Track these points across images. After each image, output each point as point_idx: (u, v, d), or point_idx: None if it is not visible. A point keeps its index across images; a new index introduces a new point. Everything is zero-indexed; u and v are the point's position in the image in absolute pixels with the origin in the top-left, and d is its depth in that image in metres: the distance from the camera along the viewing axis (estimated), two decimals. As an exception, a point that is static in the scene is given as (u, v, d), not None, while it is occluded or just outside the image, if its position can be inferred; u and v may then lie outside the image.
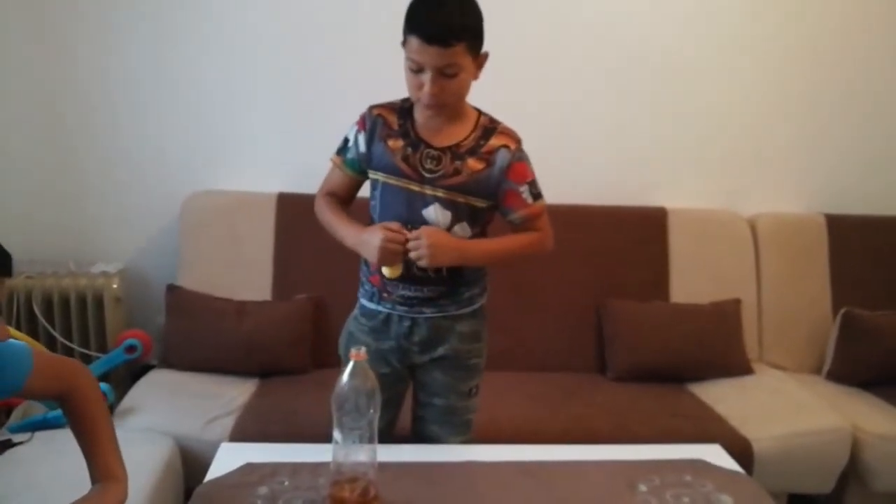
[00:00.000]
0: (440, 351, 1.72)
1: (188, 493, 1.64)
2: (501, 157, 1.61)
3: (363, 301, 1.77)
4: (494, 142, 1.62)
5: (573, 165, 2.91)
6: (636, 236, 2.83)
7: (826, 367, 2.72)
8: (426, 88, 1.50)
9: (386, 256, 1.54)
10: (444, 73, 1.50)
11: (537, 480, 1.54)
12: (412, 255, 1.54)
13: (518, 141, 1.65)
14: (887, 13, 2.91)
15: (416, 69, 1.51)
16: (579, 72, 2.86)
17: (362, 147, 1.66)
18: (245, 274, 2.68)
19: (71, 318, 2.64)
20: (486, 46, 2.73)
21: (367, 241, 1.57)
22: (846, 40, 2.92)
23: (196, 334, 2.53)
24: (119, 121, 2.78)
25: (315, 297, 2.60)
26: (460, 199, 1.62)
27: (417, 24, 1.48)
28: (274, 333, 2.52)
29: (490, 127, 1.64)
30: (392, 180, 1.63)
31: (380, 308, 1.72)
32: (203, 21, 2.73)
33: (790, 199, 3.01)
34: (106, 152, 2.79)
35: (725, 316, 2.74)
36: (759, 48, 2.90)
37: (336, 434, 1.35)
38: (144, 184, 2.80)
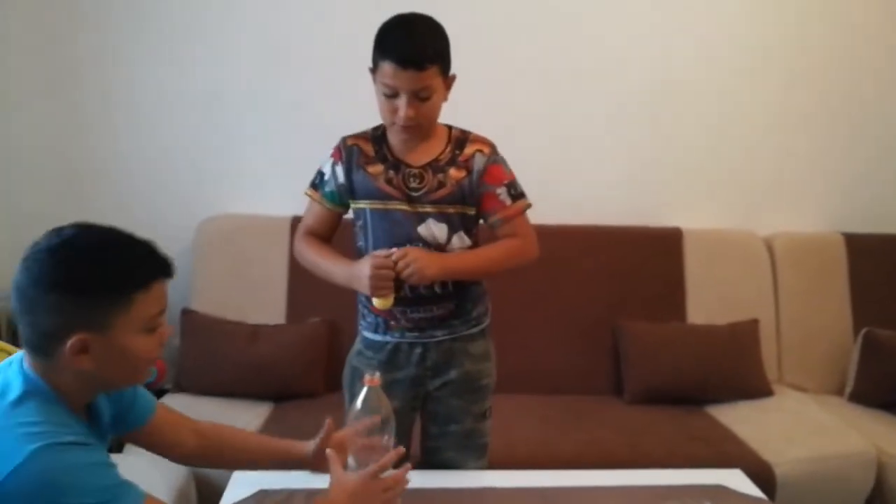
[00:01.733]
0: (452, 374, 1.70)
1: (202, 521, 1.63)
2: (478, 162, 1.63)
3: (366, 334, 1.74)
4: (469, 149, 1.64)
5: (588, 186, 2.91)
6: (652, 257, 2.81)
7: (848, 389, 2.68)
8: (401, 112, 1.52)
9: (378, 284, 1.52)
10: (419, 97, 1.52)
11: (555, 507, 1.51)
12: (403, 274, 1.51)
13: (491, 145, 1.67)
14: (902, 30, 2.90)
15: (391, 94, 1.53)
16: (593, 92, 2.86)
17: (341, 178, 1.65)
18: (259, 297, 2.68)
19: (86, 342, 2.64)
20: (502, 69, 2.79)
21: (358, 273, 1.55)
22: (862, 58, 2.91)
23: (210, 358, 2.53)
24: (131, 146, 2.80)
25: (329, 320, 2.60)
26: (451, 210, 1.62)
27: (390, 48, 1.50)
28: (288, 357, 2.52)
29: (462, 138, 1.66)
30: (379, 205, 1.62)
31: (387, 338, 1.70)
32: (215, 47, 2.76)
33: (807, 218, 2.98)
34: (119, 177, 2.81)
35: (743, 337, 2.70)
36: (774, 68, 2.89)
37: (350, 461, 1.33)
38: (158, 208, 2.82)
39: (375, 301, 1.54)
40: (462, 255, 1.64)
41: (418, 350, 1.68)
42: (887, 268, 2.85)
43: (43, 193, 2.76)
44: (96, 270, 1.07)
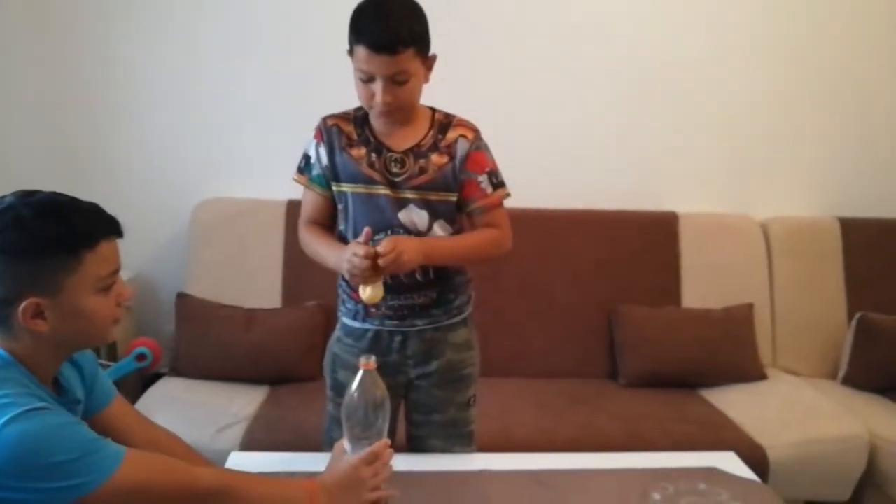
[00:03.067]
0: (434, 365, 1.68)
1: None
2: (461, 147, 1.59)
3: (346, 320, 1.72)
4: (452, 134, 1.60)
5: (584, 170, 2.90)
6: (647, 241, 2.81)
7: (841, 373, 2.69)
8: (378, 97, 1.49)
9: (353, 272, 1.47)
10: (395, 81, 1.48)
11: (550, 489, 1.52)
12: (381, 262, 1.45)
13: (475, 130, 1.63)
14: (898, 15, 2.89)
15: (367, 79, 1.50)
16: (589, 77, 2.85)
17: (325, 159, 1.62)
18: (255, 281, 2.68)
19: (81, 326, 2.64)
20: (497, 54, 2.77)
21: (341, 259, 1.50)
22: (858, 43, 2.90)
23: (206, 342, 2.53)
24: (127, 129, 2.79)
25: (325, 304, 2.59)
26: (433, 196, 1.60)
27: (363, 33, 1.47)
28: (284, 341, 2.52)
29: (445, 122, 1.62)
30: (361, 189, 1.60)
31: (366, 326, 1.68)
32: (210, 29, 2.74)
33: (803, 202, 2.98)
34: (114, 161, 2.80)
35: (738, 321, 2.71)
36: (770, 51, 2.88)
37: (346, 445, 1.33)
38: (154, 192, 2.81)
39: (362, 294, 1.50)
40: (441, 239, 1.61)
41: (398, 338, 1.66)
42: (882, 252, 2.86)
43: (37, 176, 2.72)
44: (41, 232, 1.07)
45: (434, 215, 1.61)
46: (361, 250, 1.46)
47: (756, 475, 1.63)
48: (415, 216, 1.60)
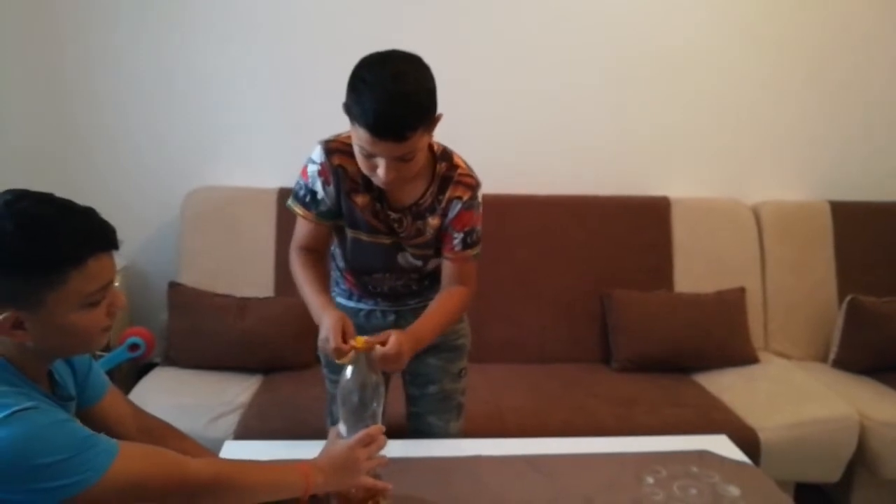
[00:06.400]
0: None
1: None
2: (453, 208, 1.57)
3: (340, 300, 1.75)
4: (450, 194, 1.57)
5: (576, 155, 2.90)
6: (639, 226, 2.82)
7: (832, 355, 2.71)
8: (381, 174, 1.39)
9: (324, 348, 1.43)
10: (401, 159, 1.38)
11: (544, 474, 1.53)
12: (381, 362, 1.39)
13: (472, 188, 1.58)
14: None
15: (368, 154, 1.39)
16: (582, 61, 2.84)
17: (332, 199, 1.57)
18: (247, 269, 2.67)
19: (73, 316, 2.63)
20: (487, 37, 2.76)
21: (320, 325, 1.46)
22: (850, 26, 2.89)
23: (199, 331, 2.52)
24: (118, 118, 2.76)
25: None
26: (428, 251, 1.63)
27: (364, 118, 1.33)
28: (277, 329, 2.51)
29: (447, 175, 1.56)
30: (363, 236, 1.60)
31: (361, 305, 1.74)
32: (202, 16, 2.71)
33: (794, 186, 2.99)
34: (105, 150, 2.78)
35: (730, 305, 2.72)
36: (761, 35, 2.87)
37: (341, 428, 1.34)
38: (145, 180, 2.79)
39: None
40: (429, 326, 1.57)
41: (391, 317, 1.71)
42: (872, 235, 2.87)
43: (25, 166, 2.72)
44: (24, 247, 1.01)
45: (427, 260, 1.65)
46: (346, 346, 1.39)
47: (748, 458, 1.65)
48: (411, 260, 1.64)
